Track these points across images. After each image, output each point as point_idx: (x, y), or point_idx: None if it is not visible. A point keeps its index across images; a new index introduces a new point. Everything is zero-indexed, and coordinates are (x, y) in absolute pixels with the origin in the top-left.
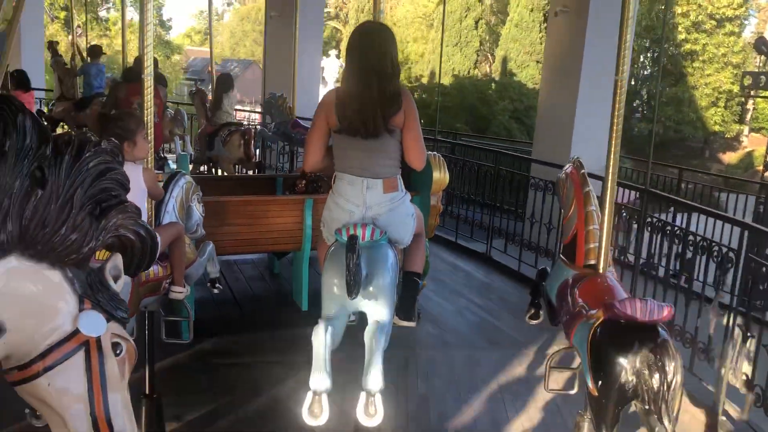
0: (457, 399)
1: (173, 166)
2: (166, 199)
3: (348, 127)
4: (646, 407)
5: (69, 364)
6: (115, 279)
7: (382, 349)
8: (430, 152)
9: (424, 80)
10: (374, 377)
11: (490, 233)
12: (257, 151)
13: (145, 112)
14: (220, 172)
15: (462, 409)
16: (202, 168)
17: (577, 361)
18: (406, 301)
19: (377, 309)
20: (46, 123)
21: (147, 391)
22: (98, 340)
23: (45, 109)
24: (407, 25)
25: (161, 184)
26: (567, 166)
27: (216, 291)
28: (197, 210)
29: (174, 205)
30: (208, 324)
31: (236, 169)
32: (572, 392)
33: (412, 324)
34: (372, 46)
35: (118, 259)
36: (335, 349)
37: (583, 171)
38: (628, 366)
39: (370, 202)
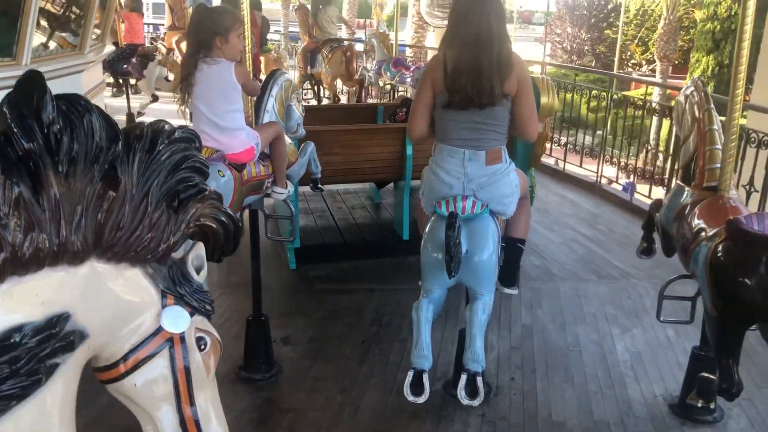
0: (561, 330)
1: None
2: (265, 98)
3: (460, 100)
4: None
5: (154, 363)
6: (198, 270)
7: (484, 326)
8: (538, 75)
9: None
10: (476, 356)
11: (601, 161)
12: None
13: (246, 41)
14: (322, 90)
15: (566, 340)
16: (305, 85)
17: (693, 290)
18: (508, 269)
19: (478, 285)
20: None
21: (253, 311)
22: (182, 336)
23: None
24: None
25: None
26: (687, 86)
27: (318, 191)
28: (297, 109)
29: (273, 104)
30: (313, 251)
31: (338, 86)
32: (687, 323)
33: (514, 292)
34: (483, 8)
35: (200, 249)
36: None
37: (705, 90)
38: (753, 284)
39: (471, 174)
